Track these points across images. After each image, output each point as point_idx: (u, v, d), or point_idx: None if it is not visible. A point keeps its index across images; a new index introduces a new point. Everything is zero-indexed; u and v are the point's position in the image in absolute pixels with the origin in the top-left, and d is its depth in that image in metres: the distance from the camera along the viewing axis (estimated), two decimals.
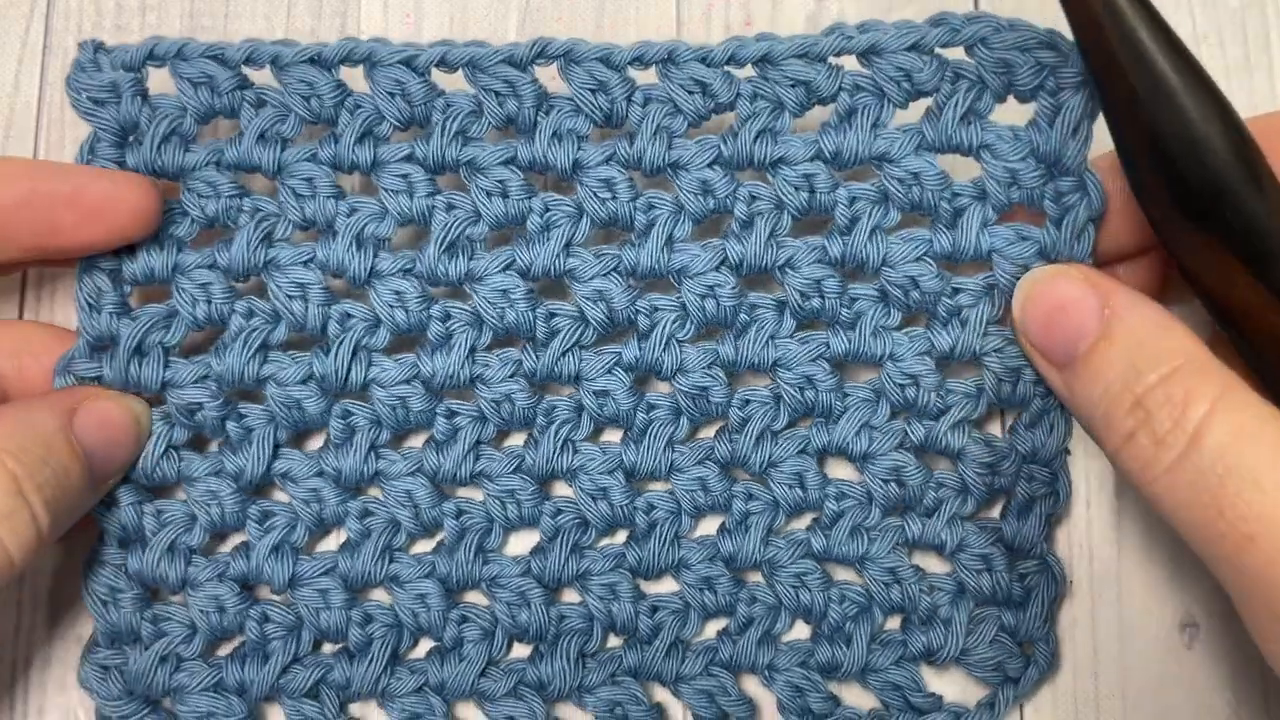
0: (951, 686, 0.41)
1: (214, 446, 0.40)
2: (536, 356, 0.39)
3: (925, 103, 0.38)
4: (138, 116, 0.38)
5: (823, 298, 0.39)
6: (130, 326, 0.39)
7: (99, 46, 0.38)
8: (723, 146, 0.38)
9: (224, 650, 0.40)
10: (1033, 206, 0.38)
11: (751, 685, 0.41)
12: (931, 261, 0.38)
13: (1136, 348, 0.34)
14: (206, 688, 0.39)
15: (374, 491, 0.40)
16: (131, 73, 0.38)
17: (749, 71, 0.38)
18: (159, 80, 0.39)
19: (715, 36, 0.43)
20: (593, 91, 0.38)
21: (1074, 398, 0.36)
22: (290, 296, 0.39)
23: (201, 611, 0.39)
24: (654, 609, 0.40)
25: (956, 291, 0.39)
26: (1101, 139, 0.37)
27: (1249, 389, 0.32)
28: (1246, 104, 0.42)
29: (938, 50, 0.38)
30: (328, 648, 0.41)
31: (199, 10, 0.45)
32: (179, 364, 0.39)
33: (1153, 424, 0.33)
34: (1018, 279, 0.38)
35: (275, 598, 0.40)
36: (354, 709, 0.41)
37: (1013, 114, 0.38)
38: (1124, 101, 0.34)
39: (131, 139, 0.39)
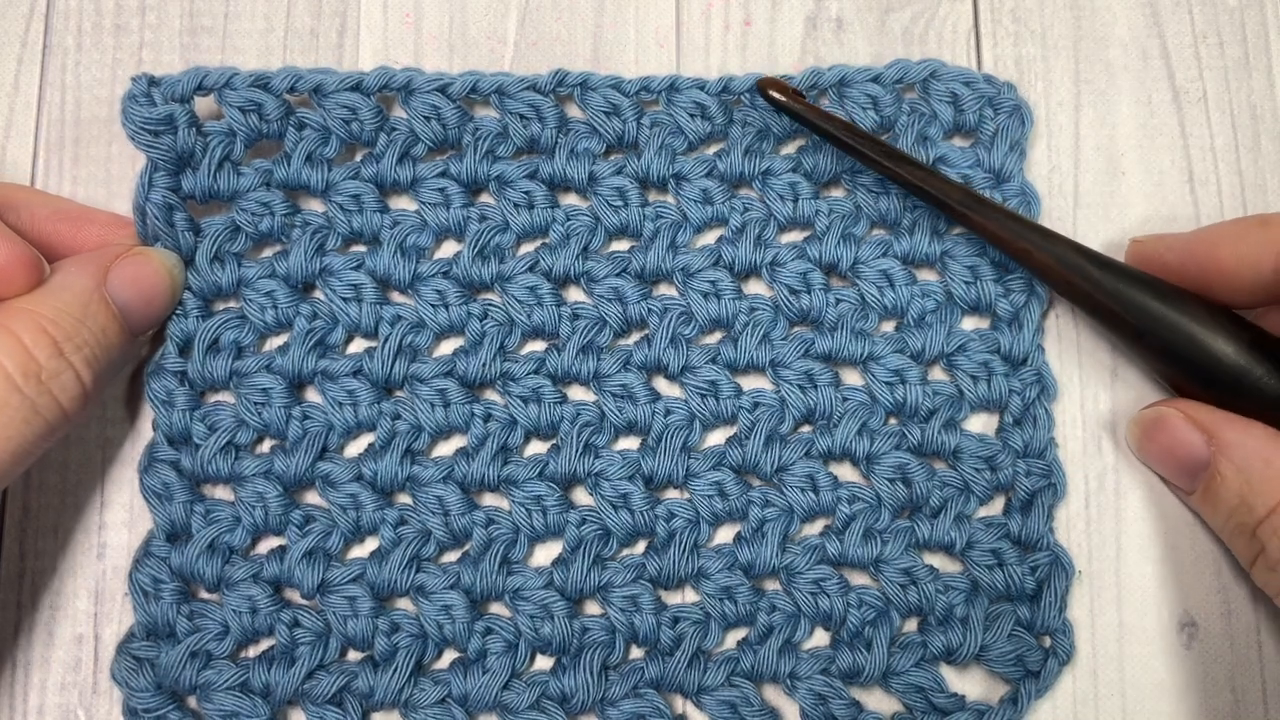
0: (973, 686, 0.41)
1: (265, 448, 0.42)
2: (559, 353, 0.42)
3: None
4: (192, 145, 0.41)
5: (810, 292, 0.42)
6: (207, 325, 0.41)
7: (151, 80, 0.41)
8: (719, 162, 0.43)
9: (253, 653, 0.41)
10: None
11: (773, 694, 0.41)
12: (897, 260, 0.42)
13: (1245, 484, 0.38)
14: (232, 686, 0.39)
15: (406, 500, 0.42)
16: (183, 104, 0.41)
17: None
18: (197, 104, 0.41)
19: (715, 36, 0.46)
20: (606, 115, 0.42)
21: (1206, 519, 0.40)
22: (345, 300, 0.42)
23: (235, 611, 0.40)
24: (675, 620, 0.41)
25: (924, 294, 0.42)
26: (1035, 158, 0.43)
27: None
28: (1246, 104, 0.45)
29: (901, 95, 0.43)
30: (353, 655, 0.41)
31: (199, 10, 0.45)
32: (251, 356, 0.41)
33: (1268, 553, 0.37)
34: (967, 281, 0.42)
35: (306, 603, 0.41)
36: (376, 718, 0.40)
37: None
38: (1130, 338, 0.39)
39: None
